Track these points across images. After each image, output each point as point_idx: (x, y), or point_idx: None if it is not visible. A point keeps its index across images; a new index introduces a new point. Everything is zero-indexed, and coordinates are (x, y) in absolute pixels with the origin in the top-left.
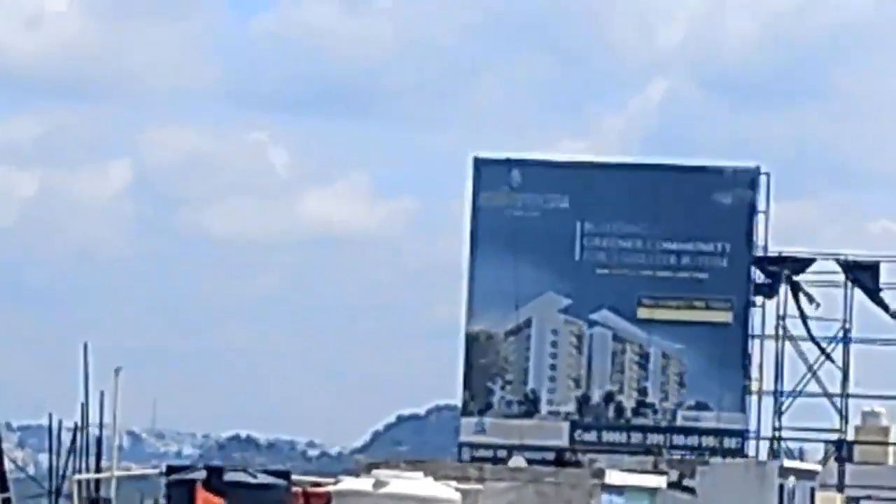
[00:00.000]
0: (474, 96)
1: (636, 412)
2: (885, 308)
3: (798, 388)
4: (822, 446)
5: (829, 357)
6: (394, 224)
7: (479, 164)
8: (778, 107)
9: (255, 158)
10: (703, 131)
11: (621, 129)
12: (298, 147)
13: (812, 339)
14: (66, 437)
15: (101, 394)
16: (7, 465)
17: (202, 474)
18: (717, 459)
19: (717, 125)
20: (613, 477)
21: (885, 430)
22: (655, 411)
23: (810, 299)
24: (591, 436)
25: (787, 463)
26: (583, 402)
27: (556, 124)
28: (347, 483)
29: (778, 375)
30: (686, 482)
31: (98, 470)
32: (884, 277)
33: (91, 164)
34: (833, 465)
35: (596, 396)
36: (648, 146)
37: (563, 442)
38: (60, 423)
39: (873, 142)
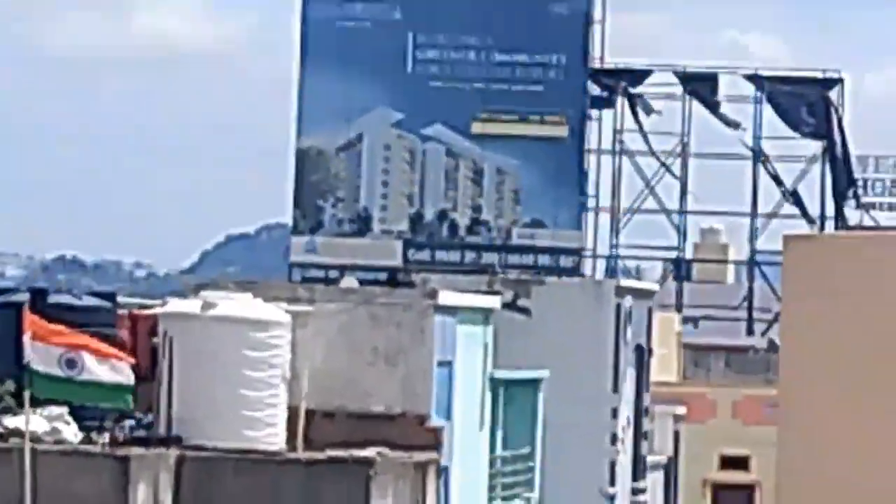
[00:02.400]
0: None
1: (470, 230)
2: (725, 121)
3: (636, 205)
4: (660, 265)
5: (668, 169)
6: (229, 40)
7: None
8: None
9: None
10: None
11: None
12: None
13: (651, 150)
14: None
15: None
16: None
17: (25, 296)
18: (553, 279)
19: None
20: (447, 297)
21: (724, 248)
22: (490, 229)
23: (648, 110)
24: (424, 255)
25: (624, 282)
26: (416, 220)
27: None
28: (174, 305)
29: (615, 191)
30: (521, 302)
31: None
32: (723, 90)
33: None
34: (671, 284)
35: (429, 214)
36: None
37: (396, 262)
38: None
39: None
